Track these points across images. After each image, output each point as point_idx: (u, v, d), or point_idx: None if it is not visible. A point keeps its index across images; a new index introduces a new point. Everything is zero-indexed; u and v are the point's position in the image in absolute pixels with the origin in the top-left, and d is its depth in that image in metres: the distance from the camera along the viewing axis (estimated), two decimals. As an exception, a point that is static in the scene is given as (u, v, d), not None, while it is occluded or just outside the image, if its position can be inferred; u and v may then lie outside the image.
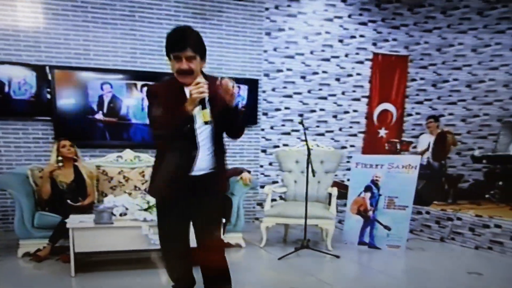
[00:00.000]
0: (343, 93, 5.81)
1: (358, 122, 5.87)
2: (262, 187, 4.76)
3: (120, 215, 3.48)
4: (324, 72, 5.71)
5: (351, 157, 4.66)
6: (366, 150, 5.57)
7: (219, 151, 2.27)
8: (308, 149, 3.75)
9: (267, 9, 5.38)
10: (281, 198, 4.90)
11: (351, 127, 5.83)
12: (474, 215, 4.24)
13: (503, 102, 5.84)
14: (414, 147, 5.55)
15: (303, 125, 3.86)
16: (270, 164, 5.60)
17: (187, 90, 2.14)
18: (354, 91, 5.83)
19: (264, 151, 5.58)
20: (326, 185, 4.38)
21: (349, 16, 5.73)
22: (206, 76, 2.19)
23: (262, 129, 5.53)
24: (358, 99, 5.83)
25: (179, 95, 2.17)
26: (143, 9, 4.89)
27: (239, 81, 5.10)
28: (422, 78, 5.95)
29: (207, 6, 5.10)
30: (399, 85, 5.86)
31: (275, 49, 5.53)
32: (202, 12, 5.05)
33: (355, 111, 5.84)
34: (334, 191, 4.07)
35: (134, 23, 4.85)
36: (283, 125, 5.61)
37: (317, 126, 5.81)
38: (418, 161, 3.96)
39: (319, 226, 4.06)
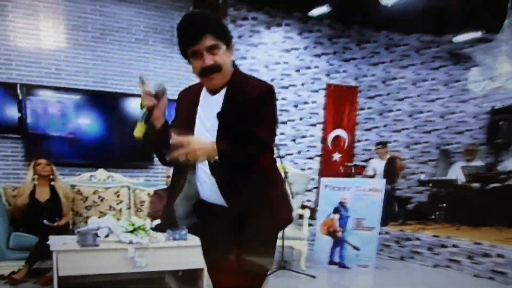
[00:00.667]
0: (300, 119, 6.12)
1: (314, 146, 6.19)
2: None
3: (105, 237, 3.41)
4: (283, 99, 5.99)
5: (313, 179, 4.92)
6: (323, 173, 5.89)
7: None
8: (285, 174, 3.94)
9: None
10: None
11: (308, 151, 6.14)
12: (432, 235, 4.64)
13: (440, 131, 6.48)
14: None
15: (278, 153, 4.11)
16: None
17: (202, 100, 1.64)
18: (310, 118, 6.16)
19: None
20: (296, 206, 4.58)
21: (305, 48, 6.10)
22: (239, 75, 1.64)
23: None
24: (314, 125, 6.17)
25: (193, 107, 1.67)
26: (114, 33, 4.87)
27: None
28: (369, 108, 6.44)
29: (175, 32, 5.18)
30: (350, 114, 6.30)
31: None
32: (170, 38, 5.12)
33: (311, 136, 6.16)
34: (306, 212, 4.30)
35: (105, 46, 4.81)
36: None
37: (278, 149, 6.02)
38: (383, 184, 4.31)
39: (293, 247, 4.23)
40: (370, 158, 6.17)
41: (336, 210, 4.37)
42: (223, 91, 1.63)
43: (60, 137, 4.49)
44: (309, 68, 6.16)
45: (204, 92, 1.68)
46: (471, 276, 4.08)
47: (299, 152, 6.12)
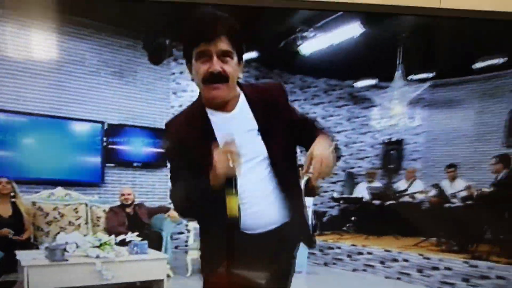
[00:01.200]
0: None
1: None
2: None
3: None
4: None
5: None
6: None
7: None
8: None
9: (173, 73, 6.17)
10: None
11: None
12: (350, 244, 5.56)
13: (345, 157, 7.66)
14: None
15: None
16: None
17: (215, 121, 1.39)
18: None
19: None
20: None
21: None
22: (244, 85, 1.46)
23: None
24: None
25: (203, 134, 1.39)
26: (69, 64, 5.21)
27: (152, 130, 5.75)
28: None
29: (124, 66, 5.68)
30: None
31: (180, 106, 6.30)
32: (119, 71, 5.58)
33: None
34: None
35: (61, 76, 5.14)
36: None
37: None
38: (311, 202, 5.18)
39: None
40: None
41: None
42: (241, 104, 1.44)
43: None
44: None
45: (213, 113, 1.44)
46: (383, 278, 5.05)
47: None
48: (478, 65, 5.58)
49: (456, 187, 5.96)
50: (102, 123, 5.39)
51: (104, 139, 5.44)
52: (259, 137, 1.40)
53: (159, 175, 6.10)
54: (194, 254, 4.78)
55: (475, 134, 6.28)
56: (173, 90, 6.12)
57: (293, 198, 1.45)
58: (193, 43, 1.36)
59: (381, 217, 6.22)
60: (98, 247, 3.78)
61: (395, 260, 5.03)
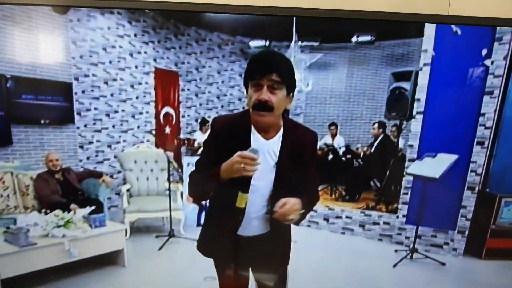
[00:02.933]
0: (137, 97, 6.69)
1: (150, 122, 6.91)
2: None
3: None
4: (121, 79, 6.41)
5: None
6: (159, 144, 6.73)
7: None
8: (169, 161, 4.91)
9: (70, 20, 5.61)
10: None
11: (145, 125, 6.83)
12: None
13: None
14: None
15: (153, 135, 4.75)
16: (88, 158, 6.01)
17: (253, 140, 1.64)
18: (144, 96, 6.80)
19: (81, 147, 5.92)
20: (163, 181, 5.52)
21: (135, 35, 6.60)
22: (290, 122, 1.66)
23: (78, 127, 5.84)
24: (148, 103, 6.85)
25: (241, 142, 1.65)
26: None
27: (54, 84, 5.35)
28: (188, 89, 7.51)
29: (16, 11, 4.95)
30: (174, 94, 7.24)
31: (81, 57, 5.82)
32: (11, 16, 4.86)
33: (147, 112, 6.85)
34: (180, 187, 5.20)
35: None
36: (94, 123, 6.05)
37: (121, 124, 6.49)
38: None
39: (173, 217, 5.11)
40: (194, 131, 7.33)
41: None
42: (278, 138, 1.70)
43: None
44: (139, 53, 6.68)
45: (254, 132, 1.73)
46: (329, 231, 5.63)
47: (138, 127, 6.72)
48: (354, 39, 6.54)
49: (338, 143, 7.10)
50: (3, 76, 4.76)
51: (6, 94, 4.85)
52: (274, 169, 1.70)
53: (67, 132, 5.69)
54: (131, 217, 4.89)
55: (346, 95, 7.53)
56: (72, 39, 5.50)
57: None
58: (250, 75, 1.67)
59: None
60: (63, 226, 3.76)
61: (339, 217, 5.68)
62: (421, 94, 5.04)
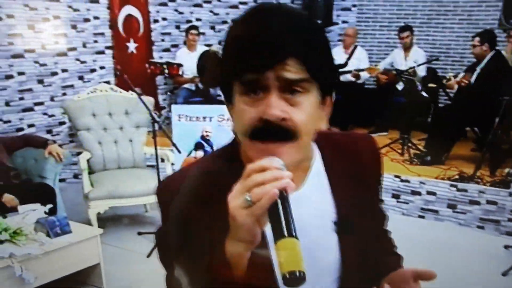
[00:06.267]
0: None
1: (102, 34, 4.27)
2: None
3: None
4: None
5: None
6: (121, 75, 4.18)
7: None
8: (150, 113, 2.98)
9: None
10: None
11: (96, 41, 4.20)
12: None
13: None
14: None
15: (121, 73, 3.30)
16: (7, 104, 3.96)
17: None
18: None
19: None
20: (140, 143, 3.63)
21: None
22: (323, 139, 0.86)
23: None
24: (96, 1, 4.15)
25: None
26: None
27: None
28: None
29: None
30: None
31: None
32: None
33: (96, 18, 4.17)
34: (170, 155, 3.42)
35: None
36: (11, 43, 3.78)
37: (57, 43, 3.99)
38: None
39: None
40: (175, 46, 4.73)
41: (198, 146, 3.47)
42: (314, 176, 0.83)
43: None
44: None
45: None
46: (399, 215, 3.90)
47: (84, 45, 4.11)
48: None
49: (415, 60, 4.57)
50: None
51: None
52: (334, 235, 0.84)
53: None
54: (97, 207, 3.20)
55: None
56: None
57: None
58: (237, 70, 0.73)
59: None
60: (8, 240, 2.40)
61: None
62: None
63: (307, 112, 0.73)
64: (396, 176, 3.80)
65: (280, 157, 0.71)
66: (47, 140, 3.14)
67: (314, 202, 0.84)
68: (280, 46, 0.70)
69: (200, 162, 0.90)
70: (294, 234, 0.61)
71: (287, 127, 0.72)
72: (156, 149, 2.99)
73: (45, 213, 2.62)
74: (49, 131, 4.26)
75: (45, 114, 4.21)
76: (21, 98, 4.03)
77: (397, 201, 3.80)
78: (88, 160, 3.39)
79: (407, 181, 3.78)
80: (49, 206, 2.64)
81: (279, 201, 0.61)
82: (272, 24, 0.71)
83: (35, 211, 2.62)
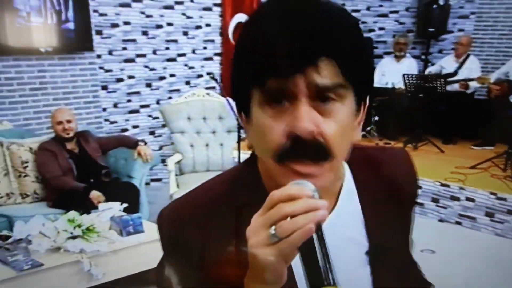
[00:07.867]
0: (191, 0, 4.03)
1: (212, 41, 4.24)
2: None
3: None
4: None
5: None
6: (226, 81, 4.12)
7: None
8: (232, 110, 3.06)
9: None
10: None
11: (205, 48, 4.17)
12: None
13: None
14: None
15: (215, 80, 3.30)
16: (116, 105, 4.19)
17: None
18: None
19: (105, 87, 4.09)
20: (230, 148, 3.72)
21: None
22: (354, 157, 0.69)
23: (99, 56, 4.05)
24: (209, 9, 4.15)
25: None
26: None
27: None
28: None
29: None
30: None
31: None
32: None
33: (208, 25, 4.15)
34: None
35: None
36: (125, 48, 3.61)
37: (167, 48, 3.99)
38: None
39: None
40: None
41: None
42: (345, 200, 0.74)
43: None
44: None
45: None
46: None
47: (193, 51, 4.09)
48: None
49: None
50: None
51: None
52: (367, 267, 0.77)
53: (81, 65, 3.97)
54: None
55: None
56: None
57: None
58: (257, 76, 0.62)
59: (414, 116, 4.44)
60: (80, 236, 2.44)
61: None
62: None
63: (342, 123, 0.62)
64: (492, 193, 3.44)
65: (311, 180, 0.60)
66: (138, 141, 3.29)
67: (345, 230, 0.74)
68: (310, 45, 0.59)
69: (210, 186, 0.77)
70: (335, 282, 0.53)
71: (320, 143, 0.61)
72: (239, 153, 3.19)
73: (123, 211, 2.70)
74: (152, 133, 4.43)
75: (149, 116, 4.34)
76: (129, 101, 4.19)
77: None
78: (178, 162, 3.54)
79: (503, 198, 3.44)
80: (125, 205, 2.70)
81: (315, 238, 0.53)
82: (301, 18, 0.60)
83: (111, 209, 2.71)
